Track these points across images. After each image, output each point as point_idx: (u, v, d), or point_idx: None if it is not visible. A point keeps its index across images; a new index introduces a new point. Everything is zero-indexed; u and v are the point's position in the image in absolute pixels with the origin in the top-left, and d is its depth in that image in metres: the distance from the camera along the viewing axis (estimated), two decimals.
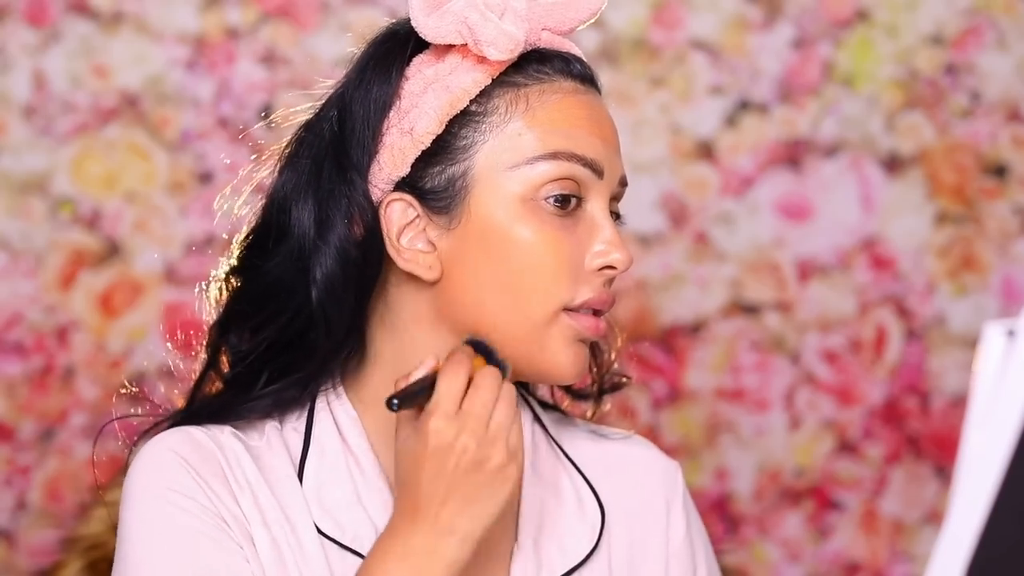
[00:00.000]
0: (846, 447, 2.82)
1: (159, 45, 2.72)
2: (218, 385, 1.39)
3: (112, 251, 2.72)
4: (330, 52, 2.69)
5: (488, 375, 1.25)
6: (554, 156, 1.31)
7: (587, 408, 1.50)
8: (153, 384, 2.73)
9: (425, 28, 1.32)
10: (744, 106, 2.80)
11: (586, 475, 1.44)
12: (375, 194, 1.33)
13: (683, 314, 2.80)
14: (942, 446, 2.83)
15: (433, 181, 1.32)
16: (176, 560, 1.28)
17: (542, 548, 1.38)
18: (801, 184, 2.81)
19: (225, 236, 1.44)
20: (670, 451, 1.92)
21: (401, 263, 1.33)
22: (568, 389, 1.48)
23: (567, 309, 1.31)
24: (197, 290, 1.42)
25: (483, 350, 1.29)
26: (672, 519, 1.46)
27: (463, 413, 1.23)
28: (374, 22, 2.68)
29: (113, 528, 1.79)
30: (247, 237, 1.39)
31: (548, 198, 1.30)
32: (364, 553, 1.31)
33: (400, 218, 1.32)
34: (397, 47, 1.35)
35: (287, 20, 2.72)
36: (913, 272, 2.82)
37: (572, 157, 1.31)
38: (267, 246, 1.36)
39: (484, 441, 1.23)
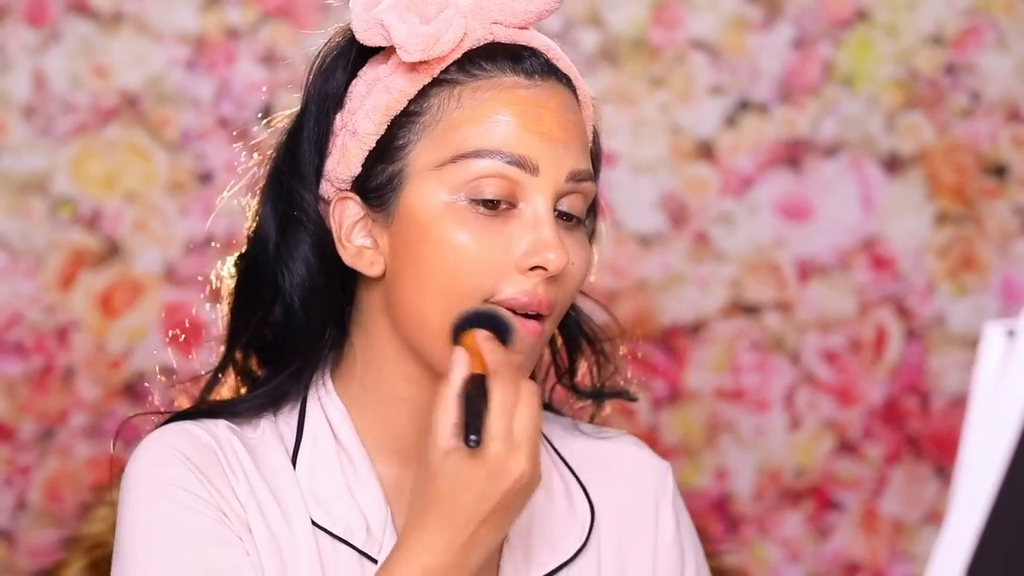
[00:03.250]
0: (846, 447, 2.82)
1: (159, 45, 2.72)
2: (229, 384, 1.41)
3: (112, 251, 2.72)
4: None
5: (533, 392, 1.23)
6: (477, 154, 1.29)
7: (586, 409, 1.50)
8: (153, 384, 2.73)
9: (357, 31, 1.33)
10: (744, 106, 2.80)
11: (577, 474, 1.45)
12: (330, 193, 1.36)
13: (683, 314, 2.80)
14: (942, 446, 2.83)
15: (376, 180, 1.33)
16: (178, 556, 1.29)
17: (532, 546, 1.39)
18: (801, 184, 2.81)
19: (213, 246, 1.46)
20: (670, 451, 1.92)
21: (347, 259, 1.35)
22: (571, 387, 1.48)
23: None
24: (209, 288, 1.44)
25: (495, 324, 1.27)
26: (661, 518, 1.46)
27: (519, 436, 1.22)
28: None
29: (114, 527, 1.79)
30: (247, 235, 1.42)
31: (474, 200, 1.29)
32: (355, 544, 1.33)
33: (350, 216, 1.34)
34: (343, 47, 1.37)
35: (287, 20, 2.72)
36: (913, 272, 2.82)
37: (496, 154, 1.29)
38: (253, 243, 1.40)
39: (536, 462, 1.23)
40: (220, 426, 1.35)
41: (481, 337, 1.25)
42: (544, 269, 1.28)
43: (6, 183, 2.70)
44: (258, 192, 1.40)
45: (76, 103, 2.71)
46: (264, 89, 2.70)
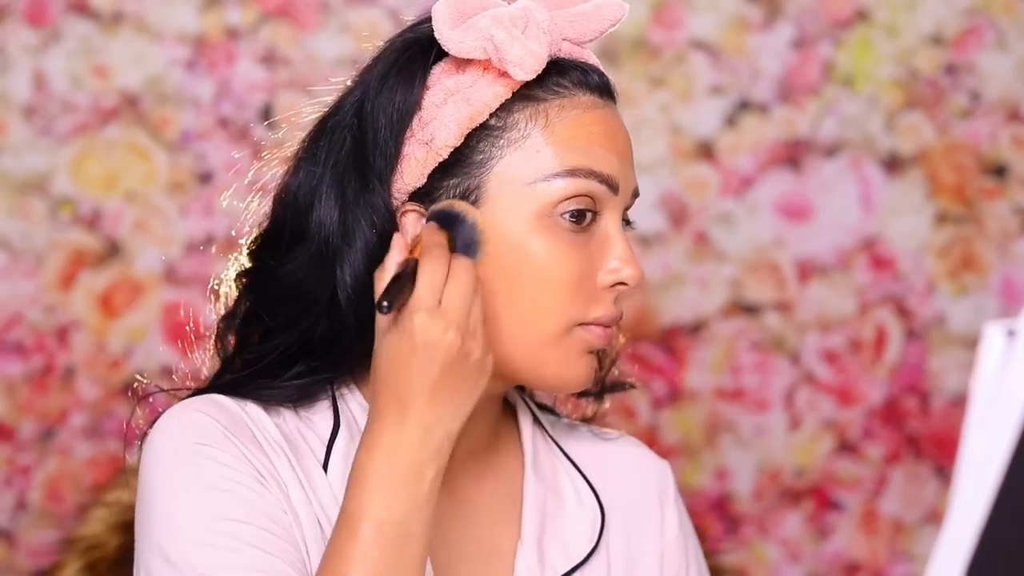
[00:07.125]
0: (846, 447, 2.82)
1: (159, 45, 2.72)
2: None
3: (112, 251, 2.72)
4: (330, 52, 2.69)
5: (464, 267, 1.26)
6: (572, 173, 1.32)
7: (588, 406, 1.51)
8: (144, 385, 2.73)
9: (449, 42, 1.31)
10: (744, 106, 2.80)
11: (586, 474, 1.45)
12: (392, 203, 1.33)
13: (683, 314, 2.80)
14: (942, 446, 2.83)
15: (448, 194, 1.32)
16: (210, 510, 1.27)
17: (545, 547, 1.40)
18: (801, 184, 2.81)
19: (234, 233, 1.44)
20: (670, 451, 1.92)
21: None
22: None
23: (579, 324, 1.33)
24: (210, 288, 1.42)
25: (449, 221, 1.29)
26: (666, 516, 1.48)
27: (446, 308, 1.24)
28: (374, 22, 2.69)
29: (112, 528, 1.79)
30: (259, 238, 1.39)
31: (564, 214, 1.31)
32: None
33: (414, 228, 1.33)
34: (419, 55, 1.34)
35: (287, 20, 2.72)
36: (913, 272, 2.82)
37: (590, 174, 1.32)
38: (280, 247, 1.36)
39: (467, 335, 1.25)
40: (249, 405, 1.34)
41: (428, 226, 1.28)
42: (624, 284, 1.35)
43: (6, 183, 2.70)
44: (286, 187, 1.37)
45: (76, 103, 2.71)
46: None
